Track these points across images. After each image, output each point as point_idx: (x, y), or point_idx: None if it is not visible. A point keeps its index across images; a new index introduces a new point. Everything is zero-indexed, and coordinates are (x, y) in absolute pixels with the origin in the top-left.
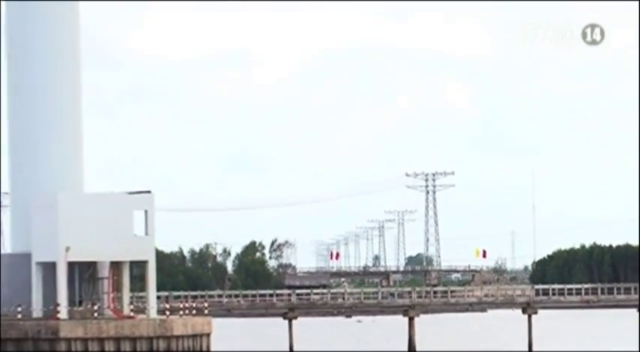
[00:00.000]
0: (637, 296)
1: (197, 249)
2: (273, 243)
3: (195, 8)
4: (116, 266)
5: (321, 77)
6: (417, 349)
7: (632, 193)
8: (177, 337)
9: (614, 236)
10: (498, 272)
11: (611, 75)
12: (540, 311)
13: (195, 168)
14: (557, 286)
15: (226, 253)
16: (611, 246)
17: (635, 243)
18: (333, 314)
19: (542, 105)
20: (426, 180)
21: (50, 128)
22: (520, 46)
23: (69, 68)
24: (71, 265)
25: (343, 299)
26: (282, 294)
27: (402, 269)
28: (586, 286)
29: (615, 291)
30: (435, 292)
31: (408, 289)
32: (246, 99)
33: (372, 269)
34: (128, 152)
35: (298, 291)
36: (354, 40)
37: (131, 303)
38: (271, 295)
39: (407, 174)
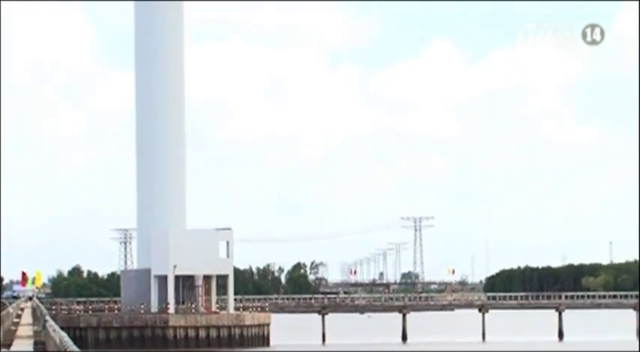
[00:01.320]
0: (556, 301)
1: (261, 267)
2: (312, 264)
3: (261, 105)
4: (207, 278)
5: (345, 151)
6: (408, 335)
7: (554, 230)
8: (248, 326)
9: (540, 260)
10: (462, 284)
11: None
12: (491, 311)
13: (260, 212)
14: (502, 294)
15: (281, 270)
16: (537, 268)
17: (554, 265)
18: (351, 312)
19: (494, 172)
20: (415, 222)
21: (164, 185)
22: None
23: (177, 147)
24: (177, 277)
25: (352, 301)
26: (317, 298)
27: (398, 281)
28: (521, 294)
29: (541, 298)
30: (420, 297)
31: (402, 295)
32: (295, 166)
33: (378, 282)
34: (216, 201)
35: (329, 296)
36: (367, 126)
37: (217, 303)
38: (310, 298)
39: (402, 218)
